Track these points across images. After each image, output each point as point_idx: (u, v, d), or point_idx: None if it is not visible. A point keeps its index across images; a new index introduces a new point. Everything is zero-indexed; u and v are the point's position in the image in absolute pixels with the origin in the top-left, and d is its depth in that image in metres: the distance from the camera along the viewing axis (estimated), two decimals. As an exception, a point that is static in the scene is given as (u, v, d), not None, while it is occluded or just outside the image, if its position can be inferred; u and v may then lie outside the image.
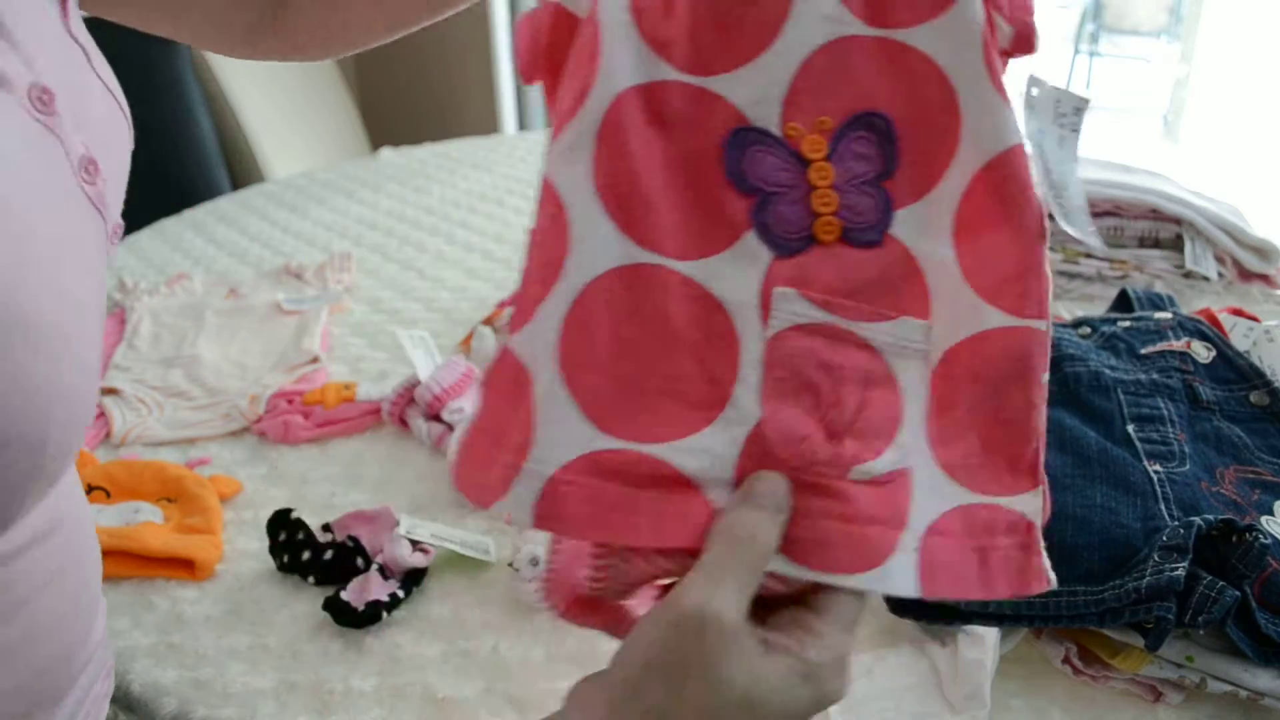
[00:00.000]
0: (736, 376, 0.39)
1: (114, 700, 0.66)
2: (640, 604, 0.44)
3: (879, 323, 0.39)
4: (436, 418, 0.92)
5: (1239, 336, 0.85)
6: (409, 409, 0.93)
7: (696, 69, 0.39)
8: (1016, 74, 0.41)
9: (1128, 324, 0.87)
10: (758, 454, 0.39)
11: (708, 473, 0.39)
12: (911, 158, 0.39)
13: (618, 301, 0.39)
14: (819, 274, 0.39)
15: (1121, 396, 0.78)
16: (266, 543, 0.77)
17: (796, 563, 0.39)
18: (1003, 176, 0.38)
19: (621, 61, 0.38)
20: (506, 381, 0.40)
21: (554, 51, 0.41)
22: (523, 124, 2.99)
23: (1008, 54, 0.39)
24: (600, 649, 0.68)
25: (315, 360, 1.06)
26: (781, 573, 0.39)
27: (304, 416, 0.95)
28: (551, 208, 0.40)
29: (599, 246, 0.39)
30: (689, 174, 0.39)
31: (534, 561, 0.71)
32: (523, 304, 0.40)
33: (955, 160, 0.39)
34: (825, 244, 0.39)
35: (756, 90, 0.39)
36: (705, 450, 0.39)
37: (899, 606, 0.66)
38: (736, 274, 0.39)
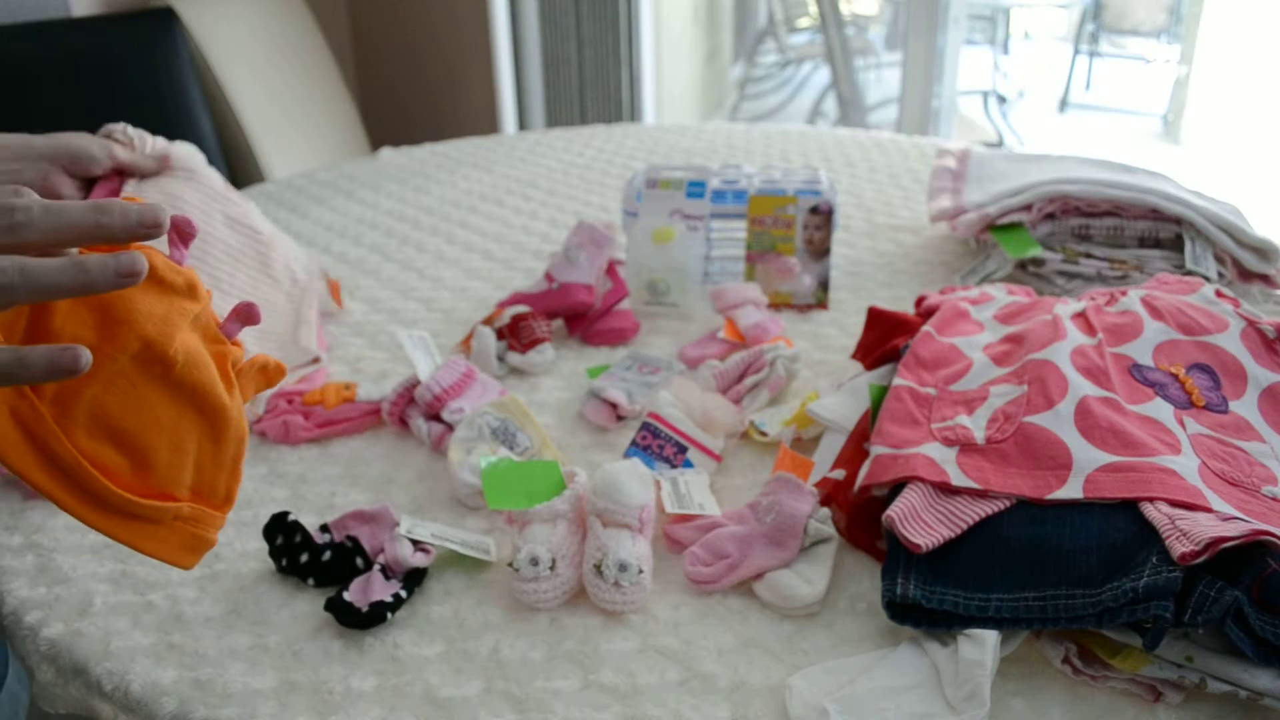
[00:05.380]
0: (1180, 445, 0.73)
1: (114, 700, 0.67)
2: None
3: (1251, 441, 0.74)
4: (436, 418, 0.92)
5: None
6: (409, 409, 0.94)
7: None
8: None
9: None
10: (1219, 472, 0.70)
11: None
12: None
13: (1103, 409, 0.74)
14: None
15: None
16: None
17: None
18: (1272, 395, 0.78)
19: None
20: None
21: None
22: (523, 124, 3.00)
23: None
24: (601, 649, 0.68)
25: (316, 361, 1.06)
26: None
27: (304, 417, 0.95)
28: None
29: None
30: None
31: (534, 561, 0.71)
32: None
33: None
34: (1198, 407, 0.76)
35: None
36: (1176, 463, 0.69)
37: (898, 614, 0.66)
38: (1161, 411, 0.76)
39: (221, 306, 1.03)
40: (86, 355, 0.49)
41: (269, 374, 0.60)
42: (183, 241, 0.56)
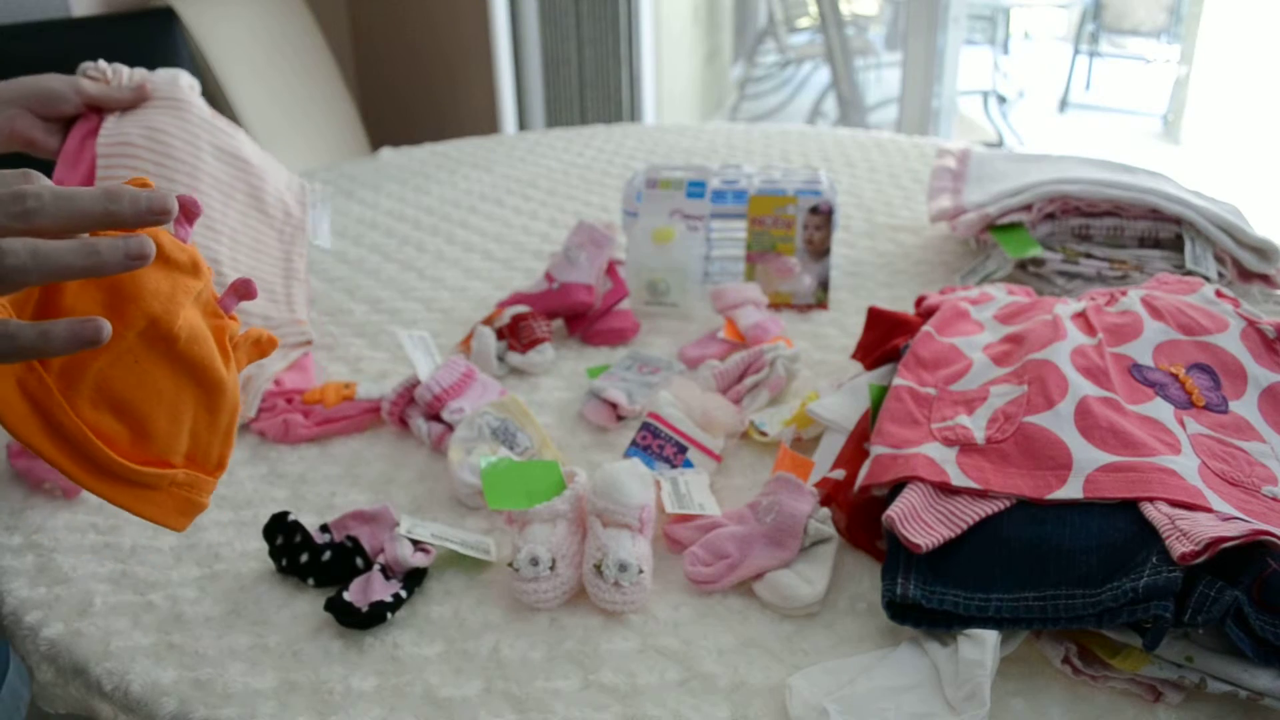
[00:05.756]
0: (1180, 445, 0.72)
1: (114, 700, 0.67)
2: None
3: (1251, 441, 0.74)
4: (436, 418, 0.92)
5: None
6: (409, 409, 0.93)
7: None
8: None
9: None
10: (1219, 472, 0.70)
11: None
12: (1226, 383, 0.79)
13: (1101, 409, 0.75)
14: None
15: None
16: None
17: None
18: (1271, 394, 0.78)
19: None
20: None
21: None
22: (523, 124, 3.00)
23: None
24: (601, 649, 0.68)
25: (308, 343, 1.03)
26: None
27: (304, 415, 0.95)
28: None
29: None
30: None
31: (534, 561, 0.71)
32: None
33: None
34: (1198, 407, 0.76)
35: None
36: (1176, 463, 0.69)
37: (898, 614, 0.66)
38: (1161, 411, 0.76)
39: (214, 248, 1.00)
40: (108, 327, 0.51)
41: (262, 346, 0.62)
42: (188, 220, 0.57)
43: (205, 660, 0.68)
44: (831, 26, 4.18)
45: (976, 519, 0.69)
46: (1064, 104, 5.11)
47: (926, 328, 0.88)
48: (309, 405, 0.95)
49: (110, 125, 0.95)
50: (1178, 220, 1.12)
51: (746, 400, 0.95)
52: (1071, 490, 0.69)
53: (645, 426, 0.88)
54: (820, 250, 1.14)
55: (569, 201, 1.54)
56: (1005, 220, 1.17)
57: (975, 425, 0.76)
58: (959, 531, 0.69)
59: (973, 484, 0.71)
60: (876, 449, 0.77)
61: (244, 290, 0.59)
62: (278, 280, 1.06)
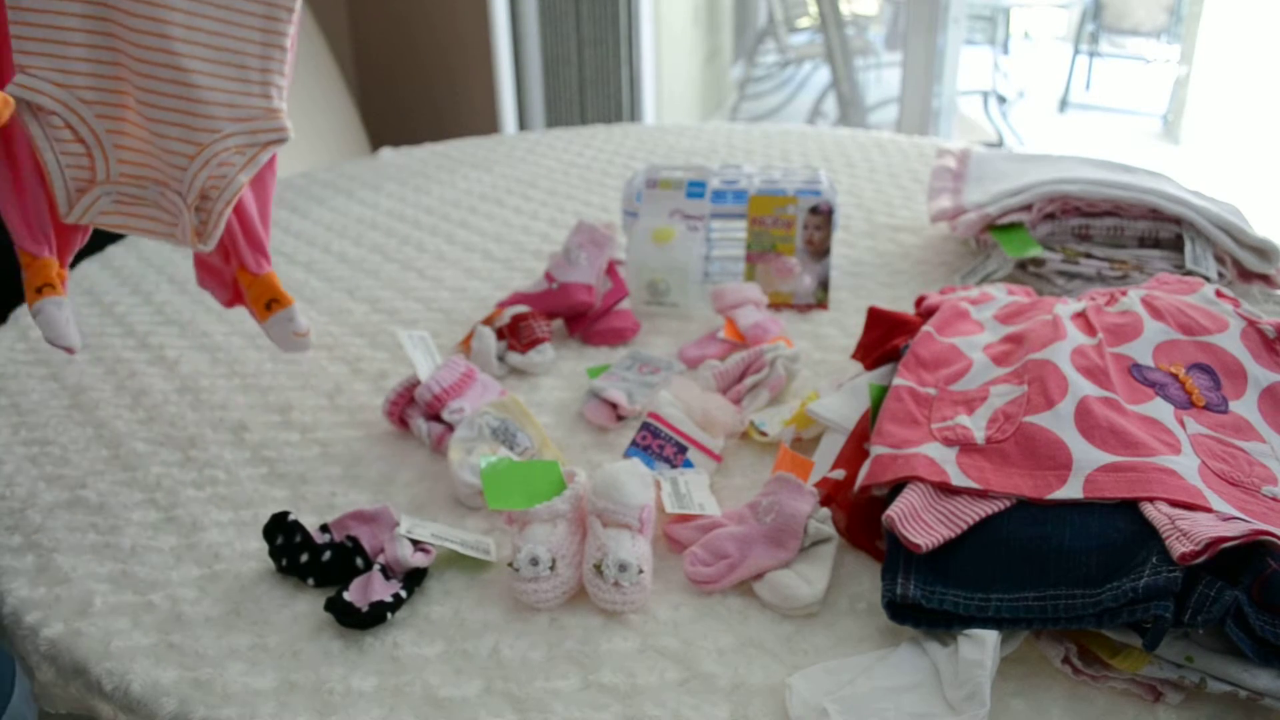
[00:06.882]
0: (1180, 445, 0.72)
1: (114, 700, 0.67)
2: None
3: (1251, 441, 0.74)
4: (436, 418, 0.92)
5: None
6: (409, 409, 0.94)
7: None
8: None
9: None
10: (1219, 472, 0.70)
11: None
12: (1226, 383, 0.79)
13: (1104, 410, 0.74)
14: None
15: None
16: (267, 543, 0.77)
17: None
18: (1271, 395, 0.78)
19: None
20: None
21: None
22: (523, 124, 3.00)
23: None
24: (601, 649, 0.68)
25: (281, 141, 0.87)
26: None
27: (233, 289, 0.99)
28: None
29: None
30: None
31: (534, 561, 0.71)
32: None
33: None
34: (1198, 407, 0.76)
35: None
36: (1176, 463, 0.69)
37: (898, 614, 0.66)
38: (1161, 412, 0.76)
39: (162, 14, 0.74)
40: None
41: None
42: None
43: (205, 660, 0.68)
44: (831, 26, 4.18)
45: (976, 519, 0.69)
46: (1064, 104, 5.11)
47: (926, 328, 0.88)
48: (241, 283, 0.97)
49: None
50: (1178, 220, 1.12)
51: (746, 400, 0.95)
52: (1071, 490, 0.69)
53: (645, 426, 0.88)
54: (820, 250, 1.14)
55: (569, 201, 1.54)
56: (1005, 220, 1.17)
57: (975, 425, 0.76)
58: (959, 531, 0.69)
59: (973, 484, 0.71)
60: (876, 449, 0.77)
61: None
62: (252, 53, 0.82)
